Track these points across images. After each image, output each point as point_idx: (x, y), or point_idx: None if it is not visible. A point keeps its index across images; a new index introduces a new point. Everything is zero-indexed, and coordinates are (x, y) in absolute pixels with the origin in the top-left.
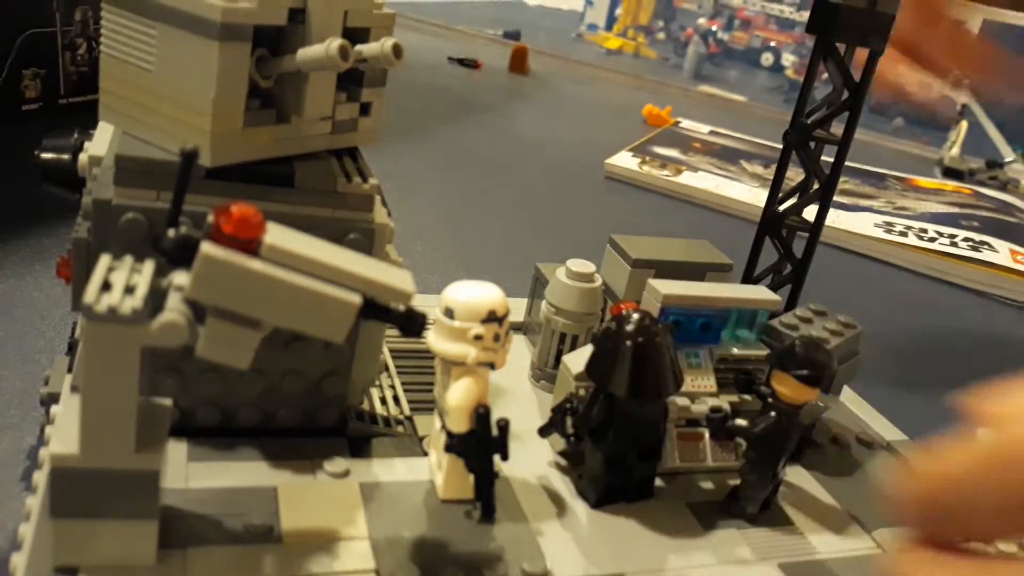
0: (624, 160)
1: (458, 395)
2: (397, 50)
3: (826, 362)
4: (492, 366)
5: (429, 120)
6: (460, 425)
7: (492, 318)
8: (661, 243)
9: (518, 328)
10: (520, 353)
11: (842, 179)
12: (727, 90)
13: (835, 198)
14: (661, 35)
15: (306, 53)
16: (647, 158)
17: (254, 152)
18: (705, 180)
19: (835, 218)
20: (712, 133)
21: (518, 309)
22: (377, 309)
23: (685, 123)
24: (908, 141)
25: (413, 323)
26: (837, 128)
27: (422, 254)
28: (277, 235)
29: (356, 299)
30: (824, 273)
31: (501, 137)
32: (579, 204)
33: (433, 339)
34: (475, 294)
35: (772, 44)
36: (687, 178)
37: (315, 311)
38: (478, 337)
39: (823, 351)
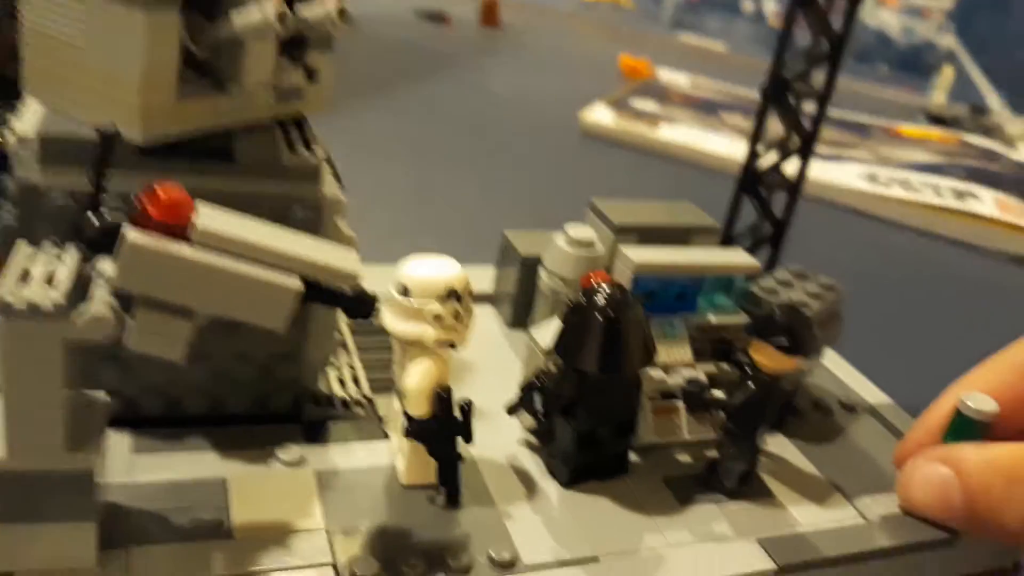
0: (600, 115)
1: (416, 377)
2: (342, 13)
3: (806, 329)
4: (453, 346)
5: (395, 79)
6: (420, 409)
7: (451, 295)
8: (644, 207)
9: (487, 299)
10: (488, 325)
11: (824, 129)
12: (707, 39)
13: (817, 149)
14: None
15: (242, 18)
16: (624, 112)
17: (190, 124)
18: (684, 134)
19: (817, 170)
20: (691, 85)
21: (488, 278)
22: (321, 292)
23: (663, 75)
24: (893, 88)
25: (361, 306)
26: (821, 79)
27: (387, 221)
28: (209, 217)
29: (295, 284)
30: (807, 228)
31: (472, 95)
32: (554, 163)
33: (388, 319)
34: (432, 270)
35: None
36: (665, 132)
37: (251, 298)
38: (436, 316)
39: (802, 318)
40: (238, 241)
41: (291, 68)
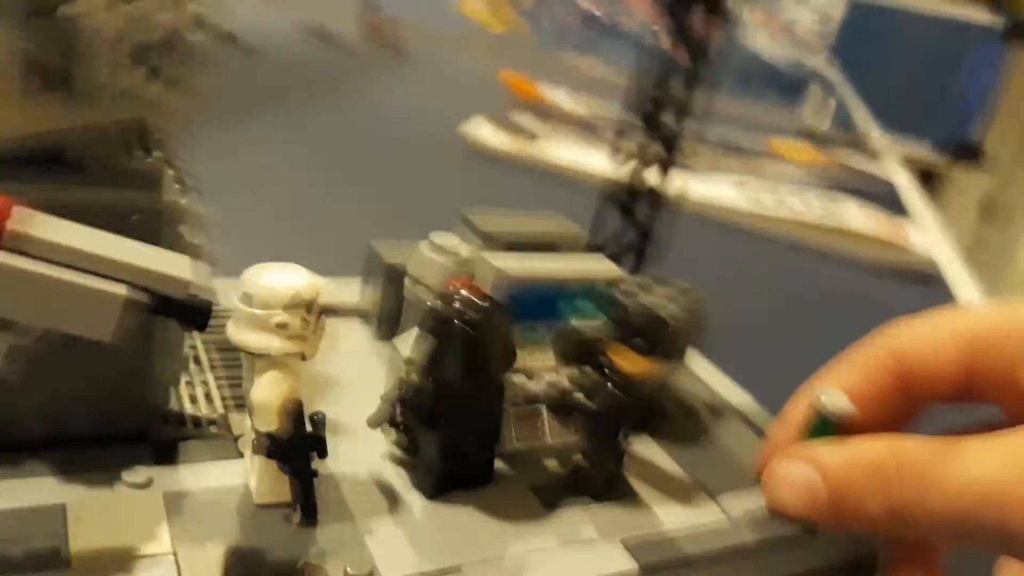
0: (484, 132)
1: (264, 391)
2: (197, 19)
3: (663, 331)
4: (303, 357)
5: (281, 96)
6: (269, 424)
7: (297, 303)
8: (513, 217)
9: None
10: (356, 338)
11: (701, 148)
12: (590, 59)
13: (693, 168)
14: (528, 2)
15: (86, 20)
16: (507, 129)
17: (31, 128)
18: (565, 151)
19: (694, 188)
20: (573, 103)
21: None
22: (154, 301)
23: (547, 93)
24: (770, 108)
25: (194, 314)
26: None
27: (268, 237)
28: (31, 222)
29: (120, 291)
30: (682, 243)
31: (358, 112)
32: (438, 179)
33: (232, 330)
34: (277, 278)
35: (635, 12)
36: (547, 149)
37: (75, 307)
38: (282, 325)
39: (659, 320)
40: (62, 247)
41: (147, 75)
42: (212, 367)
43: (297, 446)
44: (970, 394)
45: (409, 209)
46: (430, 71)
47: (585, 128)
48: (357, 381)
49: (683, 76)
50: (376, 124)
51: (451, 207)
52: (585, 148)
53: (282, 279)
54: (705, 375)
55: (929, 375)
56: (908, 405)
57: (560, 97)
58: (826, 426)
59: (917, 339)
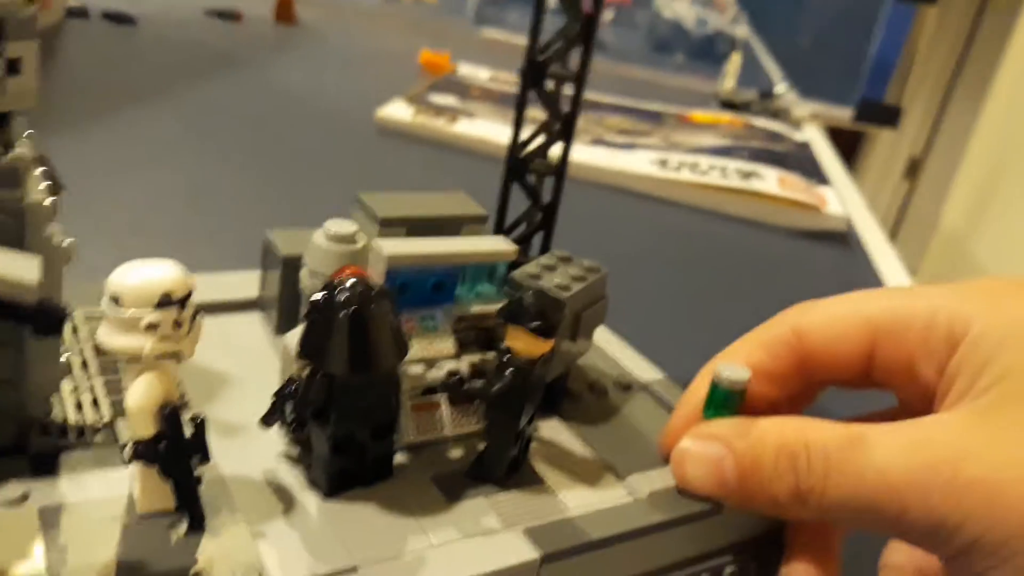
0: (398, 111)
1: (138, 395)
2: None
3: (559, 312)
4: (178, 358)
5: (181, 80)
6: (145, 429)
7: (168, 302)
8: (412, 199)
9: (254, 304)
10: (253, 333)
11: (618, 118)
12: (509, 33)
13: (611, 138)
14: None
15: None
16: (422, 107)
17: None
18: (482, 128)
19: (611, 158)
20: (491, 78)
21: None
22: (3, 307)
23: (464, 69)
24: (689, 76)
25: (45, 319)
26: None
27: (166, 230)
28: None
29: None
30: (598, 216)
31: (265, 95)
32: (350, 162)
33: (103, 334)
34: (145, 276)
35: None
36: (464, 126)
37: None
38: (152, 326)
39: (552, 301)
40: None
41: None
42: (102, 372)
43: (176, 451)
44: (869, 380)
45: (322, 195)
46: (342, 49)
47: (502, 102)
48: (254, 378)
49: (577, 45)
50: (284, 107)
51: (365, 190)
52: (503, 123)
53: (150, 277)
54: (616, 353)
55: (831, 359)
56: (809, 386)
57: (478, 72)
58: (725, 399)
59: (822, 323)
